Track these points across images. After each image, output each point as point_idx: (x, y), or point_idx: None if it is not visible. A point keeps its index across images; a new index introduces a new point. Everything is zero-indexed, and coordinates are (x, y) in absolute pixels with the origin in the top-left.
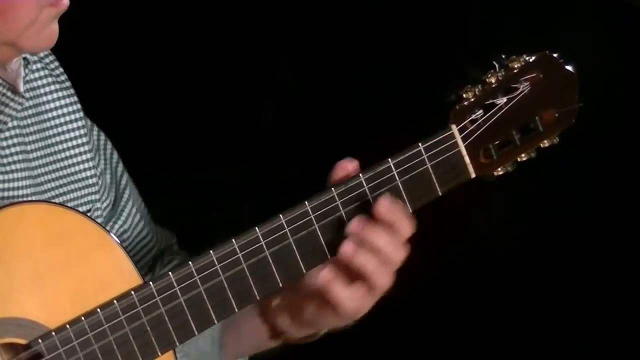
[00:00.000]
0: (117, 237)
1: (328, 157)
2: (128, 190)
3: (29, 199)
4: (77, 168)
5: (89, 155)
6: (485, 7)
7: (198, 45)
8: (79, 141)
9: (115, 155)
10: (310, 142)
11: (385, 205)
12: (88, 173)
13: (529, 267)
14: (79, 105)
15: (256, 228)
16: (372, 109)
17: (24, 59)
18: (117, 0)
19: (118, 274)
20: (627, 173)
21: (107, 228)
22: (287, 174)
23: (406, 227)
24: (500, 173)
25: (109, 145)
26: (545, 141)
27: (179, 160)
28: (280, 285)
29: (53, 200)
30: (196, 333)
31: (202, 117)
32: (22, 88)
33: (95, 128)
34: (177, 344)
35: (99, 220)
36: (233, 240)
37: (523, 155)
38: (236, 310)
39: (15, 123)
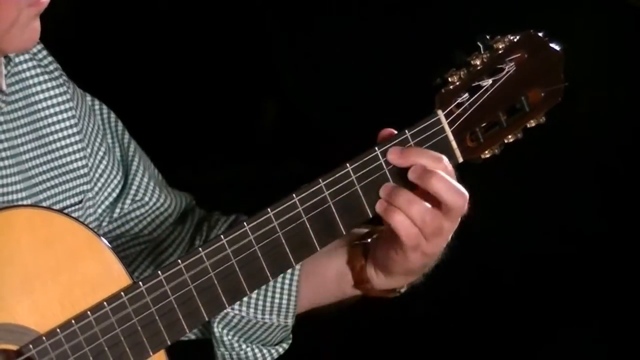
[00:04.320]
0: (132, 203)
1: (328, 157)
2: (137, 158)
3: (18, 196)
4: (67, 159)
5: (79, 146)
6: (482, 5)
7: (199, 46)
8: (70, 131)
9: (120, 125)
10: (310, 142)
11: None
12: (79, 163)
13: (526, 266)
14: (69, 95)
15: (244, 223)
16: (372, 109)
17: (5, 57)
18: (117, 1)
19: (107, 276)
20: (626, 173)
21: (120, 203)
22: (287, 173)
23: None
24: (487, 156)
25: (113, 117)
26: (532, 121)
27: (179, 160)
28: (270, 279)
29: (44, 193)
30: (187, 331)
31: (203, 117)
32: (4, 86)
33: (97, 102)
34: (169, 342)
35: (92, 210)
36: (221, 236)
37: (510, 136)
38: (227, 306)
39: (2, 118)
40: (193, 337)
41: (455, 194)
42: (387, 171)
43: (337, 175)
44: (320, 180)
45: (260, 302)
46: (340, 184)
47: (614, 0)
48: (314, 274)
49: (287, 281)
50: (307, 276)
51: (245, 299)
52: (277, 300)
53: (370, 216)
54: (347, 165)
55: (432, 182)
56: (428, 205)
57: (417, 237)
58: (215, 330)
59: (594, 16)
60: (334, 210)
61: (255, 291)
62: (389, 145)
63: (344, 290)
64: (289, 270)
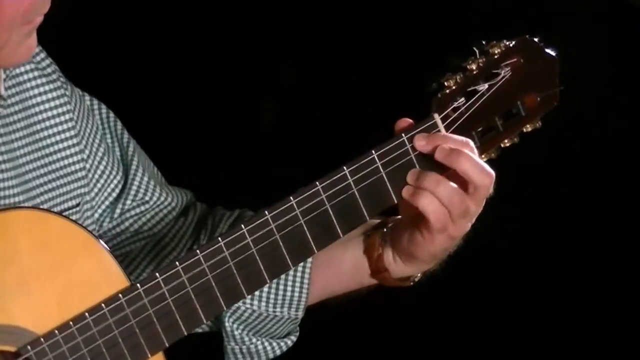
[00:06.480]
0: (132, 202)
1: (328, 157)
2: (137, 157)
3: (15, 200)
4: (64, 162)
5: (76, 149)
6: (483, 7)
7: (199, 46)
8: (66, 134)
9: (119, 125)
10: (310, 142)
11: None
12: (76, 167)
13: (526, 266)
14: (66, 98)
15: (242, 225)
16: (372, 109)
17: None
18: (117, 1)
19: (105, 278)
20: (626, 173)
21: (120, 203)
22: (287, 173)
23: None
24: (484, 160)
25: (112, 116)
26: (528, 125)
27: (179, 160)
28: (268, 282)
29: (41, 197)
30: (185, 333)
31: (203, 117)
32: (3, 90)
33: (96, 102)
34: (167, 344)
35: (89, 212)
36: (219, 238)
37: (506, 141)
38: (224, 308)
39: (0, 122)
40: (200, 330)
41: (482, 172)
42: (384, 174)
43: (334, 177)
44: (317, 182)
45: (272, 296)
46: (338, 187)
47: (614, 0)
48: (327, 266)
49: (298, 274)
50: (320, 268)
51: (256, 292)
52: (288, 294)
53: (368, 219)
54: (344, 168)
55: (460, 160)
56: (455, 185)
57: (445, 218)
58: (227, 324)
59: (594, 16)
60: (331, 212)
61: (267, 284)
62: (385, 149)
63: (361, 280)
64: (301, 263)
